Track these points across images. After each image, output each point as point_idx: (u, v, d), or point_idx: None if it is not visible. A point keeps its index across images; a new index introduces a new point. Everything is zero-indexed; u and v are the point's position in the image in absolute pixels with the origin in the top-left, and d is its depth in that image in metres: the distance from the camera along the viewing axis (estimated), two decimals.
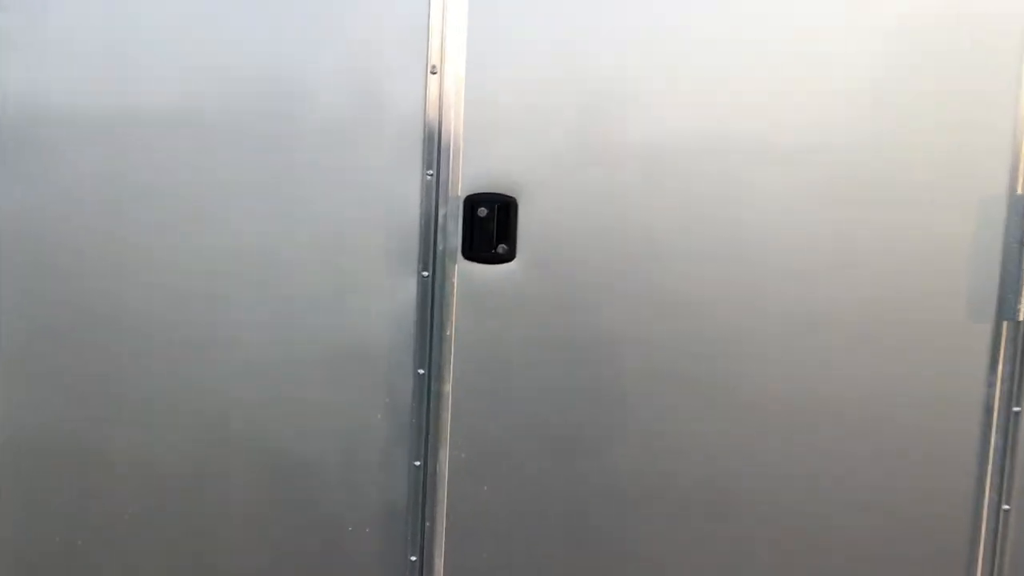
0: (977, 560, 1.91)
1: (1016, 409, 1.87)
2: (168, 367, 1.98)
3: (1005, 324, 1.85)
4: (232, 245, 1.94)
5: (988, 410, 1.87)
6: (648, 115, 1.86)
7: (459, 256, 1.90)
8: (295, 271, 1.93)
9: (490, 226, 1.87)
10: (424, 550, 1.99)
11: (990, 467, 1.89)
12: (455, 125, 1.86)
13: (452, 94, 1.86)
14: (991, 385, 1.87)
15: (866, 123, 1.81)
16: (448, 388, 1.95)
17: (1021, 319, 1.82)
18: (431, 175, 1.88)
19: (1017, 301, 1.82)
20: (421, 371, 1.95)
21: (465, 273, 1.91)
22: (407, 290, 1.92)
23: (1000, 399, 1.87)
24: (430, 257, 1.91)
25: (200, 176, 1.92)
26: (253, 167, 1.91)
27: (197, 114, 1.89)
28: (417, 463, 1.98)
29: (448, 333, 1.92)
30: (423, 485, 1.99)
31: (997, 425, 1.87)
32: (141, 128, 1.90)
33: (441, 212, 1.90)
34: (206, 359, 1.98)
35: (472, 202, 1.88)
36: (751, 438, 1.94)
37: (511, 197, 1.88)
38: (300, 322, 1.95)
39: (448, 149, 1.87)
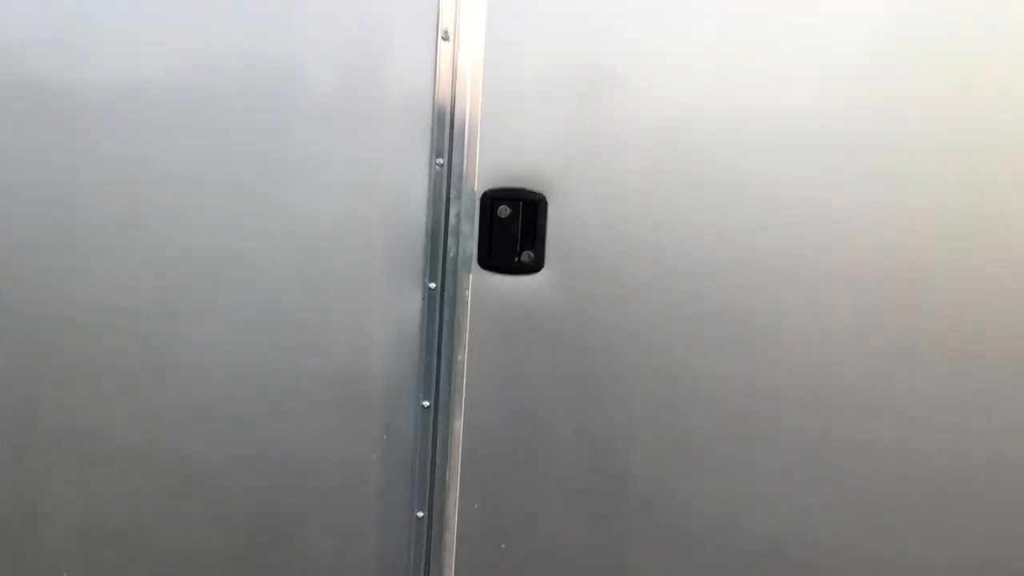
0: None
1: None
2: (116, 396, 1.85)
3: None
4: (197, 248, 1.80)
5: None
6: (712, 91, 1.67)
7: (474, 265, 1.77)
8: (273, 281, 1.80)
9: (513, 228, 1.74)
10: None
11: None
12: (471, 103, 1.73)
13: (468, 65, 1.72)
14: None
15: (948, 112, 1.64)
16: (459, 424, 1.82)
17: None
18: (441, 164, 1.75)
19: None
20: (426, 403, 1.82)
21: (481, 285, 1.78)
22: (410, 306, 1.80)
23: None
24: (439, 266, 1.78)
25: (160, 167, 1.78)
26: (223, 154, 1.77)
27: (160, 93, 1.76)
28: (420, 514, 1.85)
29: (460, 358, 1.79)
30: (427, 541, 1.86)
31: None
32: (90, 110, 1.77)
33: (453, 210, 1.77)
34: (163, 388, 1.85)
35: (491, 199, 1.74)
36: (833, 499, 1.75)
37: (539, 194, 1.74)
38: (279, 343, 1.82)
39: (462, 133, 1.74)
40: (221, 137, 1.76)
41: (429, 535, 1.85)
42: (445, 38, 1.70)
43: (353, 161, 1.76)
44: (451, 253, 1.78)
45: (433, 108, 1.73)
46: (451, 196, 1.76)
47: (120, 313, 1.82)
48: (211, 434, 1.85)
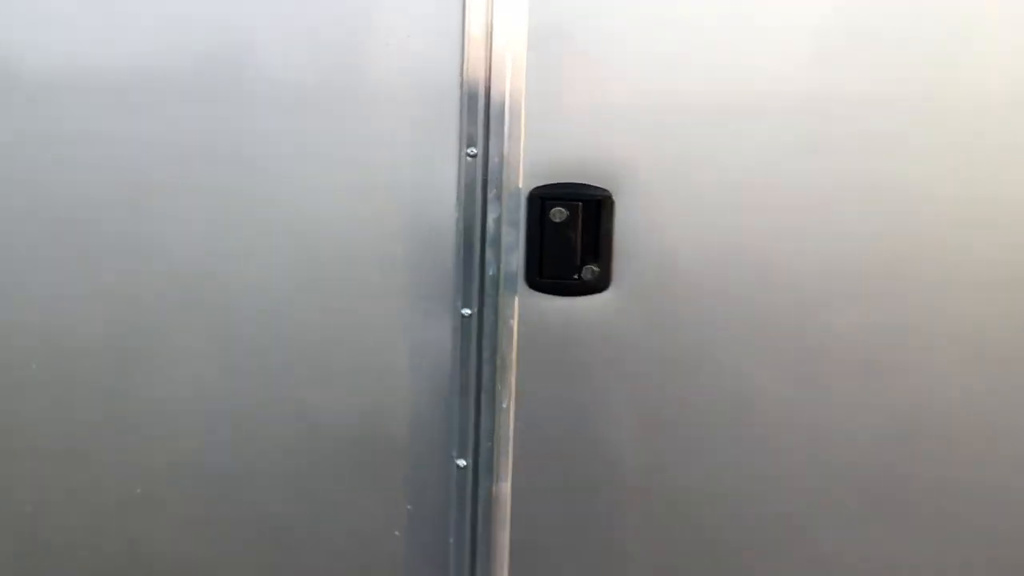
0: None
1: None
2: (65, 451, 1.74)
3: None
4: (170, 264, 1.67)
5: None
6: (816, 61, 1.51)
7: (521, 284, 1.64)
8: (262, 305, 1.68)
9: (570, 236, 1.61)
10: None
11: None
12: (512, 75, 1.58)
13: (507, 23, 1.56)
14: None
15: None
16: (505, 488, 1.69)
17: None
18: (474, 155, 1.60)
19: None
20: (462, 463, 1.70)
21: (531, 311, 1.64)
22: (439, 338, 1.67)
23: None
24: (474, 286, 1.65)
25: (118, 159, 1.66)
26: (198, 145, 1.65)
27: (122, 70, 1.64)
28: None
29: (504, 404, 1.67)
30: None
31: None
32: (40, 95, 1.66)
33: (491, 215, 1.63)
34: (124, 441, 1.73)
35: (541, 198, 1.61)
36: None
37: (603, 190, 1.59)
38: (273, 389, 1.70)
39: (501, 114, 1.59)
40: (207, 128, 1.64)
41: None
42: None
43: (359, 154, 1.62)
44: (490, 270, 1.65)
45: (461, 82, 1.59)
46: (488, 196, 1.63)
47: (88, 346, 1.71)
48: (190, 504, 1.73)
